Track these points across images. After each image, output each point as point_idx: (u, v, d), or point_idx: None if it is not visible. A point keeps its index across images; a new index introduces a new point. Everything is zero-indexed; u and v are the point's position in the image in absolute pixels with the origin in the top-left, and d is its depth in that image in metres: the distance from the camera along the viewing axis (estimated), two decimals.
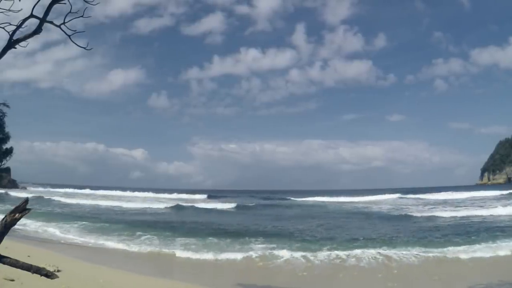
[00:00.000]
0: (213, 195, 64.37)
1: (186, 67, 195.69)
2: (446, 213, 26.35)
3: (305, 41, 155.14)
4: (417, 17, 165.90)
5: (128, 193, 63.51)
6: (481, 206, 32.34)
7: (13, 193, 52.15)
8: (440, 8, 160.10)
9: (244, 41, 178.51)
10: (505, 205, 29.95)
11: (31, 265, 4.16)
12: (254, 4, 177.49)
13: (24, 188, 72.59)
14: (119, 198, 48.72)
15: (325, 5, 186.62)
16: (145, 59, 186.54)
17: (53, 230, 18.07)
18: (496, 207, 29.45)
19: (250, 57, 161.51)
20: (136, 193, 63.07)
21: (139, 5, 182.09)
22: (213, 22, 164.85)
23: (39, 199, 39.77)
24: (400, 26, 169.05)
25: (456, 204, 38.19)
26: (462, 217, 23.86)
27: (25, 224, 18.15)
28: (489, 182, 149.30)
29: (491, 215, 24.38)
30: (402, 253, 12.76)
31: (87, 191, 67.80)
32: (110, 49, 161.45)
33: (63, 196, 48.35)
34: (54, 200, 41.29)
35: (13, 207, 4.27)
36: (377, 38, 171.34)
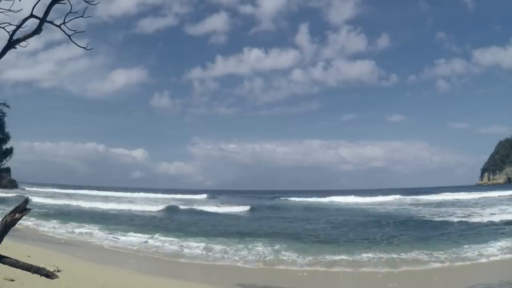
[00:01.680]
0: (214, 196, 63.88)
1: (189, 67, 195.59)
2: (452, 215, 26.30)
3: (309, 41, 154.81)
4: (420, 18, 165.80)
5: (127, 194, 62.04)
6: (487, 207, 32.23)
7: None
8: (443, 8, 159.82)
9: (248, 41, 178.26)
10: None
11: (31, 265, 4.15)
12: (259, 4, 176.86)
13: (23, 189, 72.20)
14: (118, 199, 47.60)
15: (329, 5, 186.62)
16: (148, 59, 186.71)
17: None
18: (505, 208, 29.35)
19: (253, 57, 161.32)
20: (135, 194, 61.57)
21: (143, 5, 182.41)
22: (217, 22, 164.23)
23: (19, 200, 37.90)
24: (403, 27, 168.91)
25: (459, 204, 37.98)
26: (467, 218, 23.77)
27: None
28: (489, 182, 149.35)
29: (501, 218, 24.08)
30: (403, 254, 12.80)
31: (84, 191, 66.48)
32: (113, 48, 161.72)
33: (51, 196, 45.30)
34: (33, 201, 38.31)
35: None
36: (380, 38, 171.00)
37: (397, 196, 52.09)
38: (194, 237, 15.94)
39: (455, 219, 23.29)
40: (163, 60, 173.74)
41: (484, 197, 47.88)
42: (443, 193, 56.24)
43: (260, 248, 13.90)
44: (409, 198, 51.07)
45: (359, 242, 15.57)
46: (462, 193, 56.82)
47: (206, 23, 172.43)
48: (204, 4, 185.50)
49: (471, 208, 31.81)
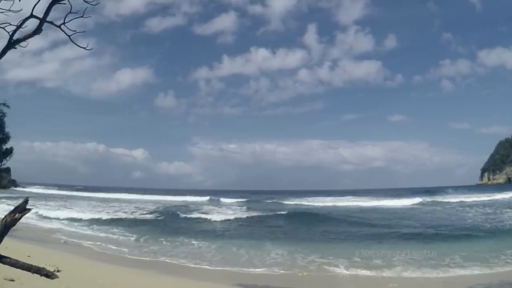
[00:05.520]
0: (216, 197, 60.45)
1: (196, 66, 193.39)
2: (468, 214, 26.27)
3: (316, 41, 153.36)
4: (428, 18, 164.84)
5: (127, 195, 60.07)
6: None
7: None
8: (451, 9, 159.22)
9: (255, 41, 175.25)
10: None
11: (31, 265, 4.16)
12: (268, 4, 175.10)
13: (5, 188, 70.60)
14: (118, 201, 46.00)
15: (339, 6, 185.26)
16: (154, 58, 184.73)
17: None
18: None
19: (260, 57, 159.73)
20: (135, 195, 59.33)
21: (152, 4, 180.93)
22: (226, 22, 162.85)
23: None
24: (410, 27, 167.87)
25: (467, 204, 37.60)
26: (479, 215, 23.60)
27: None
28: (489, 182, 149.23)
29: None
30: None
31: (80, 193, 65.45)
32: (119, 48, 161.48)
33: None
34: None
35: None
36: (387, 39, 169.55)
37: (418, 199, 46.28)
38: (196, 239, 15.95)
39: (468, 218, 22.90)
40: (169, 60, 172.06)
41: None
42: (466, 194, 52.62)
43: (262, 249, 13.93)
44: (431, 201, 45.81)
45: (361, 244, 15.51)
46: (494, 193, 52.20)
47: (214, 23, 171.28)
48: (214, 3, 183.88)
49: (490, 208, 31.31)
